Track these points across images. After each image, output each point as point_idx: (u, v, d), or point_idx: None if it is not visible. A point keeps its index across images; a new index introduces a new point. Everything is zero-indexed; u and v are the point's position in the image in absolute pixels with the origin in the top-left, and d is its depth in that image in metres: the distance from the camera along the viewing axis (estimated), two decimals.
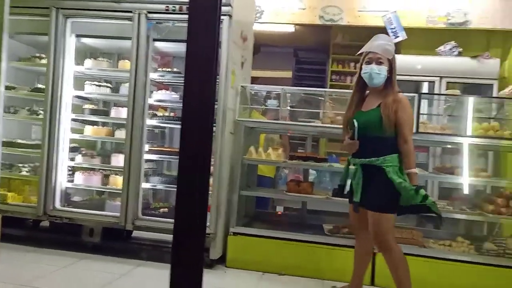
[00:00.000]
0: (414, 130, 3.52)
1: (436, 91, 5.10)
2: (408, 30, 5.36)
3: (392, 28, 5.13)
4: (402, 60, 5.29)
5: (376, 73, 2.84)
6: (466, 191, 3.66)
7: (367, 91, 3.00)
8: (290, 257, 3.65)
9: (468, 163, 3.63)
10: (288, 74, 8.23)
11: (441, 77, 5.16)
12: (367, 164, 2.84)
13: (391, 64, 2.87)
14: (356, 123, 2.83)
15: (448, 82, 5.17)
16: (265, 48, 7.61)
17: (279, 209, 5.41)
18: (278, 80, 7.80)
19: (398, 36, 5.09)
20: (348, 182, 2.98)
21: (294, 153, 4.09)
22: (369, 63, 2.87)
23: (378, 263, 3.45)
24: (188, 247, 1.42)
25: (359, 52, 2.97)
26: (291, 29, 7.18)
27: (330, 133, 4.17)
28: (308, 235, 3.72)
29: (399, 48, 5.99)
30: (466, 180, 3.61)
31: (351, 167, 3.00)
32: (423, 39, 5.67)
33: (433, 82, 5.21)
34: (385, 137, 2.80)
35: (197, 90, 1.35)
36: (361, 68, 2.93)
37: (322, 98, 3.78)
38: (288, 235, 3.71)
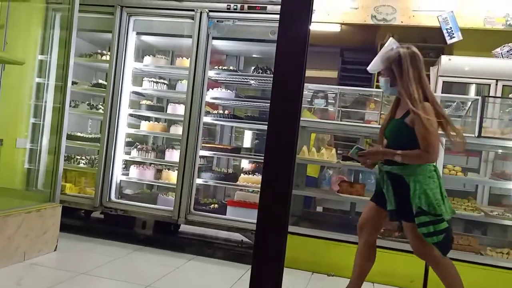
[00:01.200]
0: (476, 133, 3.44)
1: (491, 94, 4.94)
2: (463, 31, 5.22)
3: (448, 28, 5.02)
4: (456, 62, 5.21)
5: (382, 86, 2.77)
6: None
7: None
8: (340, 258, 3.62)
9: None
10: (333, 74, 8.16)
11: (497, 80, 5.01)
12: (389, 171, 2.67)
13: (393, 70, 2.60)
14: (355, 150, 2.75)
15: (504, 86, 5.00)
16: (310, 48, 7.56)
17: (319, 210, 5.36)
18: (323, 80, 7.74)
19: (453, 37, 4.98)
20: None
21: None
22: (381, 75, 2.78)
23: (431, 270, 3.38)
24: (271, 245, 1.45)
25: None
26: (337, 28, 7.12)
27: None
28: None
29: (451, 49, 5.85)
30: None
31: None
32: (479, 41, 5.49)
33: (489, 85, 5.05)
34: (406, 146, 2.57)
35: (286, 87, 1.37)
36: None
37: (379, 99, 3.73)
38: (337, 236, 3.68)
